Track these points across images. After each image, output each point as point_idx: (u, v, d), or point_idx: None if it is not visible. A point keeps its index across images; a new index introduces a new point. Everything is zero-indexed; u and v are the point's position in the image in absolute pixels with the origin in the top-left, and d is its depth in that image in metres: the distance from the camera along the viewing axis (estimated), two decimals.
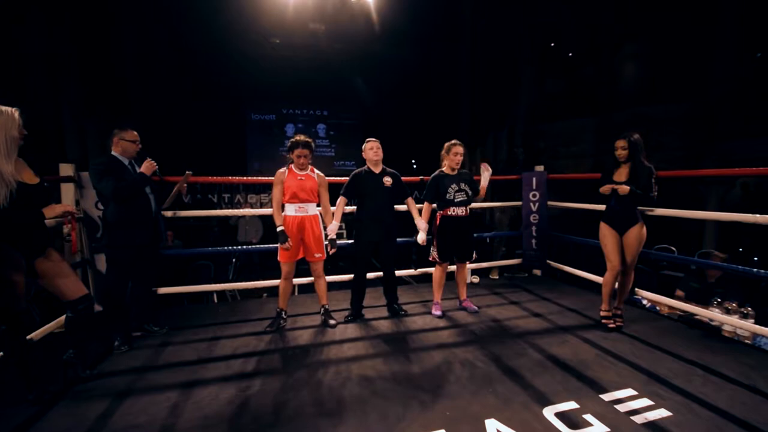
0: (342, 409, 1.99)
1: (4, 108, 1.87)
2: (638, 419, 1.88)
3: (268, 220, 3.73)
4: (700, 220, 5.03)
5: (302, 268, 3.21)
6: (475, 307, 3.42)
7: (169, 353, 2.66)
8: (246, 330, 3.05)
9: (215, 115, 10.45)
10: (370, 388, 2.18)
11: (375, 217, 3.16)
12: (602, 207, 3.11)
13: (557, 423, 1.85)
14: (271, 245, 3.55)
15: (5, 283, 1.89)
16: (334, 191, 3.15)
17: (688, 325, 3.08)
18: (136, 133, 2.73)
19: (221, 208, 8.94)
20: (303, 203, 2.93)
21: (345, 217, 3.44)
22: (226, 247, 3.83)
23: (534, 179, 4.38)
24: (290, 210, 2.93)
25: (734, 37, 7.01)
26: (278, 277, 3.09)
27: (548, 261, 4.46)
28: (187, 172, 3.04)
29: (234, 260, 6.00)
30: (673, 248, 5.21)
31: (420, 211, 3.31)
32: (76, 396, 2.13)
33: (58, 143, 7.14)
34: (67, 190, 3.10)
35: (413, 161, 12.27)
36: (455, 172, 3.25)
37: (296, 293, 4.47)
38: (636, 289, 3.36)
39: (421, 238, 3.23)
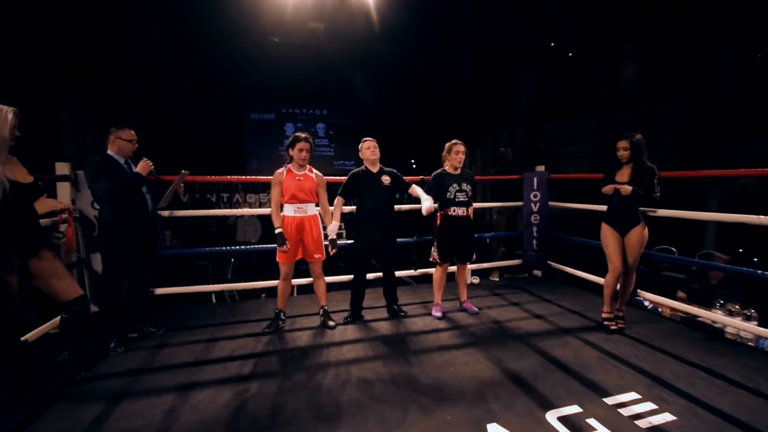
0: (340, 412, 1.96)
1: None
2: (642, 423, 1.85)
3: (267, 220, 3.69)
4: (700, 220, 5.00)
5: (301, 268, 3.18)
6: (476, 309, 3.39)
7: (165, 355, 2.63)
8: (244, 331, 3.02)
9: (214, 115, 10.40)
10: (369, 391, 2.15)
11: (374, 216, 3.13)
12: (603, 207, 3.09)
13: (561, 428, 1.82)
14: (270, 245, 3.52)
15: None
16: (334, 191, 3.13)
17: (691, 327, 3.06)
18: (132, 132, 2.69)
19: (220, 208, 8.90)
20: (302, 204, 2.90)
21: (344, 216, 3.42)
22: (224, 247, 3.81)
23: (535, 179, 4.35)
24: (289, 210, 2.90)
25: (734, 37, 7.01)
26: (277, 278, 3.06)
27: (549, 262, 4.44)
28: (182, 171, 2.96)
29: (233, 260, 5.97)
30: (674, 249, 5.19)
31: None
32: (71, 398, 2.10)
33: (56, 142, 7.10)
34: (63, 189, 3.06)
35: (413, 161, 12.24)
36: (458, 172, 3.22)
37: (295, 294, 4.42)
38: (638, 290, 3.34)
39: (427, 206, 2.96)
